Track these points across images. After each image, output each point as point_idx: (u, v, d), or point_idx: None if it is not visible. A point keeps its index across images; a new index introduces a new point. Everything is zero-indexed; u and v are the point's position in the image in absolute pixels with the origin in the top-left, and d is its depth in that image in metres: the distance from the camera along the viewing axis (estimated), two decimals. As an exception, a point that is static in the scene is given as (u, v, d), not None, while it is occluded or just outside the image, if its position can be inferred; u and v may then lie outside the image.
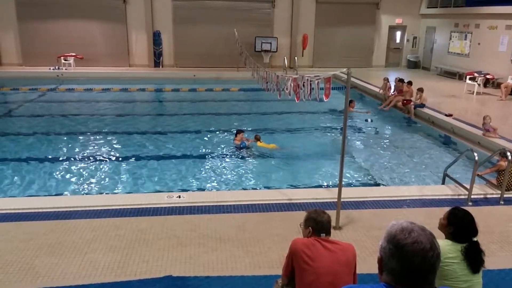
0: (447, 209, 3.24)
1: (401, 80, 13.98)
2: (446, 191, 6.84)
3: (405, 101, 13.09)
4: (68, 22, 20.51)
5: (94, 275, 4.36)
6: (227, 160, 8.96)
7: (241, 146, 9.51)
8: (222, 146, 9.79)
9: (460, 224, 3.01)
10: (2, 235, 5.11)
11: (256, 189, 7.48)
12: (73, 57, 19.85)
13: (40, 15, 20.22)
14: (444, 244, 2.92)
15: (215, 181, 7.87)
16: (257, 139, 9.77)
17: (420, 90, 12.90)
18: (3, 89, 16.67)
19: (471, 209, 3.18)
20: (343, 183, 5.54)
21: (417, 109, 12.63)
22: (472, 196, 6.44)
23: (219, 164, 8.72)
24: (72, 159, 8.83)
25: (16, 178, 7.79)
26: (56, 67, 19.37)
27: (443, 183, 7.22)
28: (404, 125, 12.49)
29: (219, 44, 21.03)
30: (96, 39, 20.80)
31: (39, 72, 18.90)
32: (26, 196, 6.95)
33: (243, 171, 8.39)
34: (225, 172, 8.34)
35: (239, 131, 9.77)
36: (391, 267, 1.65)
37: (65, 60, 19.72)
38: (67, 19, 20.47)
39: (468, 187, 6.50)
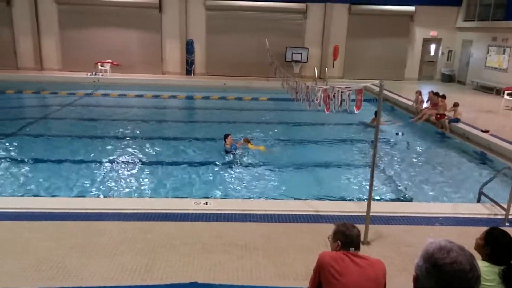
0: (482, 228, 3.10)
1: (435, 94, 13.65)
2: (482, 210, 6.57)
3: (439, 115, 12.76)
4: (106, 30, 21.15)
5: (122, 278, 4.41)
6: (253, 168, 8.93)
7: (232, 149, 9.56)
8: (247, 154, 9.77)
9: (497, 245, 2.87)
10: (37, 233, 5.25)
11: (282, 199, 7.40)
12: (109, 64, 20.42)
13: (80, 23, 20.94)
14: (481, 266, 2.77)
15: (240, 189, 7.85)
16: (247, 141, 9.95)
17: (456, 104, 12.55)
18: (43, 93, 17.29)
19: (509, 230, 3.03)
20: (372, 197, 5.41)
21: (452, 124, 12.28)
22: (509, 217, 6.15)
23: (244, 172, 8.70)
24: (104, 162, 9.01)
25: (51, 178, 8.01)
26: (93, 73, 19.96)
27: (478, 201, 6.94)
28: (437, 139, 12.15)
29: (250, 54, 21.18)
30: (132, 47, 21.34)
31: (77, 77, 19.52)
32: (60, 197, 7.12)
33: (269, 180, 8.33)
34: (250, 180, 8.30)
35: (226, 135, 9.77)
36: (427, 287, 1.58)
37: (101, 67, 20.30)
38: (105, 27, 21.12)
39: (505, 206, 6.22)
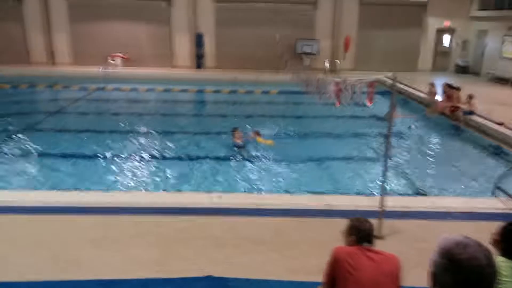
0: (498, 223, 3.07)
1: (449, 86, 13.47)
2: (497, 204, 6.49)
3: (453, 108, 12.61)
4: (116, 23, 21.24)
5: (135, 270, 4.47)
6: (263, 162, 8.92)
7: (242, 143, 9.45)
8: (258, 148, 9.77)
9: (514, 241, 2.84)
10: (52, 227, 5.34)
11: (294, 193, 7.40)
12: (119, 58, 20.53)
13: (89, 17, 21.07)
14: (498, 261, 2.76)
15: (252, 183, 7.86)
16: (257, 134, 9.75)
17: (470, 96, 12.38)
18: (55, 87, 17.48)
19: (526, 225, 2.99)
20: (385, 191, 5.38)
21: (466, 116, 12.13)
22: (525, 210, 6.09)
23: (255, 166, 8.71)
24: (115, 156, 9.08)
25: (63, 172, 8.11)
26: (104, 67, 20.09)
27: (494, 195, 6.87)
28: (452, 133, 12.01)
29: (260, 46, 21.11)
30: (141, 40, 21.42)
31: (88, 71, 19.67)
32: (72, 191, 7.20)
33: (280, 174, 8.32)
34: (261, 174, 8.31)
35: (235, 129, 9.64)
36: (444, 283, 1.57)
37: (112, 60, 20.42)
38: (114, 21, 21.22)
39: (521, 200, 6.15)
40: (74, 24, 21.16)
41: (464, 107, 12.43)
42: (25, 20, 21.03)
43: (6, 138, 10.10)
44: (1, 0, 20.55)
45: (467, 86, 15.23)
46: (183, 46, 21.60)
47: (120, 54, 20.67)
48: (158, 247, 4.91)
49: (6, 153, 9.09)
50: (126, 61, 20.72)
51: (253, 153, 9.28)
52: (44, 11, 20.91)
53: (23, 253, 4.74)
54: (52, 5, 20.97)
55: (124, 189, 7.48)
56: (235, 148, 9.48)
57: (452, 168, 8.96)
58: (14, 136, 10.29)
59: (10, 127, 10.95)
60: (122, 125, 11.76)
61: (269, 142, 9.80)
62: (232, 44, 21.41)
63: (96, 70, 19.69)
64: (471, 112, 12.15)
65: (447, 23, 21.88)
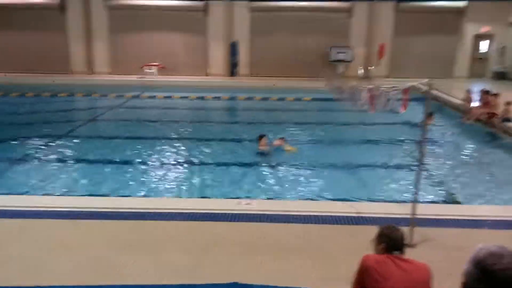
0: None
1: (486, 92, 13.04)
2: (536, 213, 6.22)
3: (490, 114, 12.18)
4: (153, 33, 21.82)
5: (169, 276, 4.52)
6: (293, 169, 8.87)
7: (269, 151, 9.38)
8: (284, 155, 9.73)
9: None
10: (86, 232, 5.50)
11: (324, 200, 7.33)
12: (156, 66, 21.05)
13: (128, 28, 21.76)
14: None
15: (281, 190, 7.83)
16: (284, 140, 9.73)
17: (508, 103, 11.94)
18: (94, 95, 18.10)
19: None
20: (418, 198, 5.25)
21: (504, 123, 11.69)
22: None
23: (284, 173, 8.68)
24: (150, 162, 9.27)
25: (101, 178, 8.35)
26: (141, 75, 20.63)
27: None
28: (488, 140, 11.61)
29: (294, 54, 21.13)
30: (177, 49, 21.90)
31: (125, 80, 20.26)
32: (110, 196, 7.41)
33: (310, 181, 8.25)
34: (291, 181, 8.27)
35: (261, 136, 9.55)
36: None
37: (148, 69, 20.96)
38: (152, 31, 21.80)
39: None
40: (113, 34, 21.89)
41: (501, 113, 11.98)
42: (68, 30, 21.90)
43: (44, 145, 10.47)
44: (46, 9, 21.48)
45: (505, 93, 14.66)
46: (217, 55, 21.91)
47: (156, 63, 21.18)
48: (190, 253, 4.96)
49: (44, 159, 9.41)
50: (162, 70, 21.21)
51: (282, 160, 9.24)
52: (86, 20, 21.72)
53: (60, 259, 4.85)
54: (95, 15, 21.77)
55: (155, 195, 7.59)
56: (260, 155, 9.45)
57: (488, 176, 8.65)
58: (52, 143, 10.67)
59: (49, 134, 11.34)
60: (156, 132, 12.03)
61: (294, 149, 9.75)
62: (266, 52, 21.55)
63: (133, 78, 20.24)
64: (508, 119, 11.70)
65: (485, 29, 21.20)
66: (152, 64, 21.12)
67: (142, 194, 7.62)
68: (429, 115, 12.12)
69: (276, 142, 9.85)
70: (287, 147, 9.80)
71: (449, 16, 21.17)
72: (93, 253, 4.96)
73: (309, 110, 15.81)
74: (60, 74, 21.13)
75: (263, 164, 9.05)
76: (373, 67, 20.73)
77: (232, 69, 21.67)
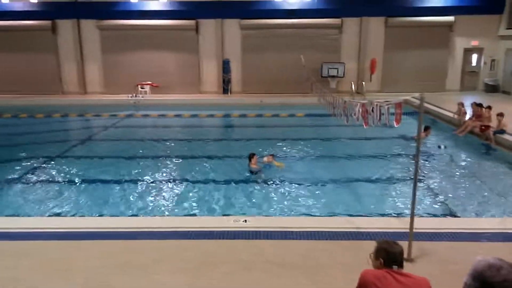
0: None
1: (479, 105, 13.19)
2: (533, 225, 6.23)
3: (483, 127, 12.30)
4: (145, 53, 21.94)
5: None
6: (289, 185, 8.86)
7: (260, 168, 9.50)
8: (285, 171, 9.74)
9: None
10: (81, 252, 5.43)
11: (322, 216, 7.31)
12: (149, 85, 21.13)
13: (120, 47, 21.85)
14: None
15: (279, 205, 7.81)
16: (273, 157, 9.98)
17: (500, 115, 12.07)
18: (87, 115, 18.08)
19: None
20: (415, 212, 5.25)
21: (497, 135, 11.80)
22: None
23: (281, 189, 8.66)
24: (146, 181, 9.24)
25: (93, 198, 8.29)
26: (134, 94, 20.67)
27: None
28: (482, 152, 11.70)
29: (286, 70, 21.30)
30: (170, 68, 22.00)
31: (118, 99, 20.27)
32: (102, 216, 7.34)
33: (307, 197, 8.25)
34: (286, 197, 8.25)
35: (252, 154, 9.69)
36: None
37: (141, 88, 21.03)
38: (144, 50, 21.92)
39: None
40: (105, 54, 21.99)
41: (494, 125, 12.11)
42: (60, 51, 21.99)
43: (37, 166, 10.42)
44: (38, 31, 21.58)
45: (497, 105, 14.84)
46: (210, 73, 22.04)
47: (149, 82, 21.27)
48: (184, 272, 4.91)
49: (36, 180, 9.36)
50: (155, 89, 21.29)
51: (276, 177, 9.23)
52: (77, 42, 21.82)
53: (55, 280, 4.80)
54: (86, 36, 21.88)
55: (149, 214, 7.54)
56: (251, 174, 9.44)
57: (483, 188, 8.68)
58: (45, 163, 10.61)
59: (42, 155, 11.28)
60: (149, 151, 12.00)
61: (282, 164, 9.90)
62: (258, 69, 21.71)
63: (126, 98, 20.27)
64: (502, 131, 11.81)
65: (475, 43, 21.57)
66: (145, 83, 21.19)
67: (134, 213, 7.57)
68: (426, 128, 12.25)
69: (266, 159, 9.95)
70: (276, 163, 9.88)
71: (438, 30, 21.50)
72: (84, 274, 4.89)
73: (302, 126, 15.86)
74: (53, 95, 21.13)
75: (256, 182, 9.03)
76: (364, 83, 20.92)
77: (225, 86, 21.81)
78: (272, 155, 10.23)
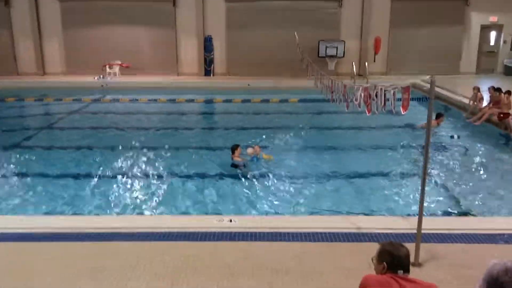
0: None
1: (497, 90, 13.37)
2: (555, 224, 6.38)
3: (502, 115, 12.48)
4: (114, 28, 21.75)
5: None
6: (281, 180, 8.91)
7: (244, 162, 9.53)
8: (275, 164, 9.79)
9: None
10: (43, 256, 5.42)
11: (317, 214, 7.37)
12: (118, 66, 20.95)
13: (85, 22, 21.65)
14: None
15: (268, 204, 7.86)
16: (259, 148, 10.06)
17: (521, 101, 12.27)
18: (46, 100, 17.89)
19: None
20: (424, 211, 5.34)
21: (517, 124, 12.00)
22: None
23: (271, 184, 8.71)
24: (115, 175, 9.21)
25: (55, 194, 8.25)
26: (101, 76, 20.48)
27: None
28: (501, 143, 11.88)
29: (277, 50, 21.30)
30: (143, 46, 21.86)
31: (83, 81, 20.09)
32: (67, 215, 7.32)
33: (301, 193, 8.31)
34: (279, 193, 8.31)
35: (236, 146, 9.73)
36: None
37: (109, 69, 20.85)
38: (113, 25, 21.74)
39: None
40: (67, 29, 21.72)
41: (514, 113, 12.30)
42: (14, 26, 21.66)
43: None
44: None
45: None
46: (189, 51, 21.94)
47: (119, 62, 21.07)
48: (163, 278, 4.93)
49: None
50: (126, 70, 21.11)
51: (264, 171, 9.27)
52: (34, 15, 21.51)
53: (12, 285, 4.80)
54: (44, 8, 21.60)
55: (123, 213, 7.55)
56: (234, 167, 9.46)
57: (501, 183, 8.83)
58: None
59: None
60: (120, 140, 11.94)
61: (270, 157, 9.94)
62: (245, 47, 21.66)
63: (92, 80, 20.08)
64: (523, 120, 12.02)
65: (493, 19, 21.76)
66: (114, 63, 21.00)
67: (104, 212, 7.56)
68: (438, 116, 12.39)
69: (251, 151, 9.93)
70: (264, 155, 9.89)
71: (452, 4, 21.64)
72: (49, 280, 4.88)
73: (296, 113, 15.91)
74: (6, 76, 20.83)
75: (241, 177, 9.06)
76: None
77: (207, 67, 21.72)
78: (259, 146, 10.24)
